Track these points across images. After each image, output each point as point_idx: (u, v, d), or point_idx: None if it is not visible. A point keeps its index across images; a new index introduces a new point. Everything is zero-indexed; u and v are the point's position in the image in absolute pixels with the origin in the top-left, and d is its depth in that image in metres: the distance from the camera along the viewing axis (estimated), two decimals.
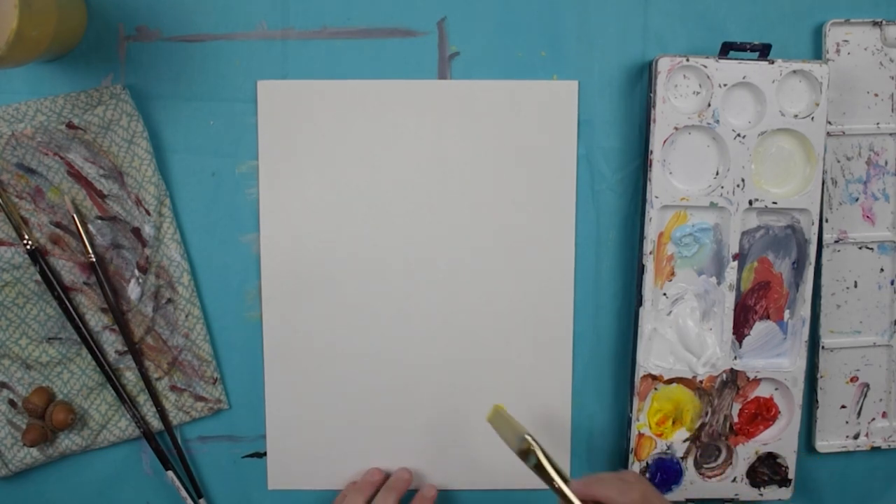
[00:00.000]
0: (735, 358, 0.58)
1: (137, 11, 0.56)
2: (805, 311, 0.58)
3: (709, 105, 0.55)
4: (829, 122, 0.57)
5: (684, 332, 0.58)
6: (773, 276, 0.58)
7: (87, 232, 0.56)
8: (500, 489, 0.61)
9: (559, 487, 0.50)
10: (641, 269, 0.57)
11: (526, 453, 0.51)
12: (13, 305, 0.57)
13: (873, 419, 0.61)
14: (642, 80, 0.57)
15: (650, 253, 0.57)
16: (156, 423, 0.58)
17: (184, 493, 0.59)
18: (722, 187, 0.56)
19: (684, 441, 0.59)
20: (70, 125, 0.55)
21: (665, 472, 0.59)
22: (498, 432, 0.53)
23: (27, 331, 0.57)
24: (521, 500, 0.61)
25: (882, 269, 0.59)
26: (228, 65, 0.56)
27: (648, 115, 0.56)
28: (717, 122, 0.55)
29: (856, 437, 0.61)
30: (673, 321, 0.58)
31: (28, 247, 0.55)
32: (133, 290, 0.57)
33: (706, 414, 0.59)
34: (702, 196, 0.56)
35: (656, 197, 0.56)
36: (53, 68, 0.56)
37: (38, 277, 0.56)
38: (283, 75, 0.57)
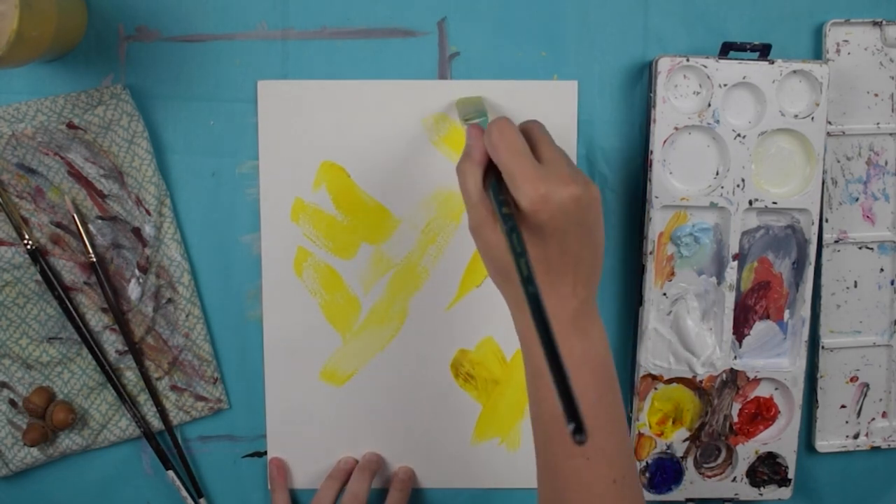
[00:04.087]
0: (735, 358, 0.58)
1: (137, 11, 0.56)
2: (805, 311, 0.58)
3: (709, 105, 0.55)
4: (829, 122, 0.57)
5: (684, 332, 0.58)
6: (773, 276, 0.58)
7: (87, 232, 0.56)
8: (500, 488, 0.61)
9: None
10: (641, 269, 0.57)
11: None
12: (13, 305, 0.57)
13: (873, 419, 0.61)
14: (642, 80, 0.57)
15: (650, 253, 0.57)
16: (156, 423, 0.58)
17: (184, 492, 0.59)
18: (722, 187, 0.56)
19: (684, 441, 0.59)
20: (70, 125, 0.55)
21: (665, 472, 0.59)
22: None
23: (27, 331, 0.57)
24: (520, 499, 0.61)
25: (882, 269, 0.59)
26: (228, 65, 0.56)
27: (648, 115, 0.56)
28: (717, 122, 0.55)
29: (856, 436, 0.61)
30: (673, 321, 0.58)
31: (28, 247, 0.56)
32: (133, 290, 0.57)
33: (706, 414, 0.59)
34: (702, 196, 0.56)
35: (656, 197, 0.56)
36: (54, 68, 0.56)
37: (39, 277, 0.56)
38: (283, 75, 0.57)
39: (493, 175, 0.45)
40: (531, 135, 0.47)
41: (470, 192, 0.46)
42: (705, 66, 0.55)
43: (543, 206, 0.42)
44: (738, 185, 0.56)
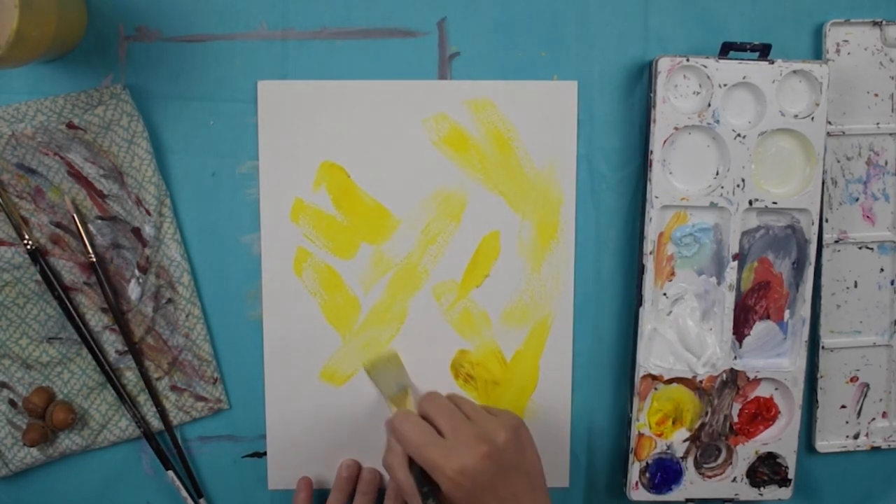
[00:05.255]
0: (735, 358, 0.58)
1: (137, 11, 0.56)
2: (805, 311, 0.58)
3: (709, 105, 0.55)
4: (829, 122, 0.57)
5: (684, 332, 0.58)
6: (773, 276, 0.58)
7: (87, 232, 0.56)
8: None
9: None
10: (641, 269, 0.57)
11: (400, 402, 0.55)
12: (13, 305, 0.57)
13: (873, 419, 0.61)
14: (642, 80, 0.57)
15: (650, 253, 0.57)
16: (156, 423, 0.58)
17: (184, 493, 0.59)
18: (722, 187, 0.56)
19: (684, 441, 0.59)
20: (70, 125, 0.55)
21: (665, 472, 0.59)
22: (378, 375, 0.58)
23: (27, 331, 0.57)
24: None
25: (882, 269, 0.59)
26: (228, 65, 0.56)
27: (648, 115, 0.56)
28: (717, 122, 0.55)
29: (856, 436, 0.61)
30: (673, 321, 0.58)
31: (28, 247, 0.56)
32: (133, 290, 0.57)
33: (706, 414, 0.59)
34: (702, 196, 0.56)
35: (656, 197, 0.56)
36: (53, 68, 0.56)
37: (39, 277, 0.56)
38: (283, 75, 0.57)
39: (416, 465, 0.50)
40: (426, 413, 0.51)
41: (401, 484, 0.50)
42: (705, 66, 0.55)
43: (462, 480, 0.47)
44: (738, 185, 0.56)
